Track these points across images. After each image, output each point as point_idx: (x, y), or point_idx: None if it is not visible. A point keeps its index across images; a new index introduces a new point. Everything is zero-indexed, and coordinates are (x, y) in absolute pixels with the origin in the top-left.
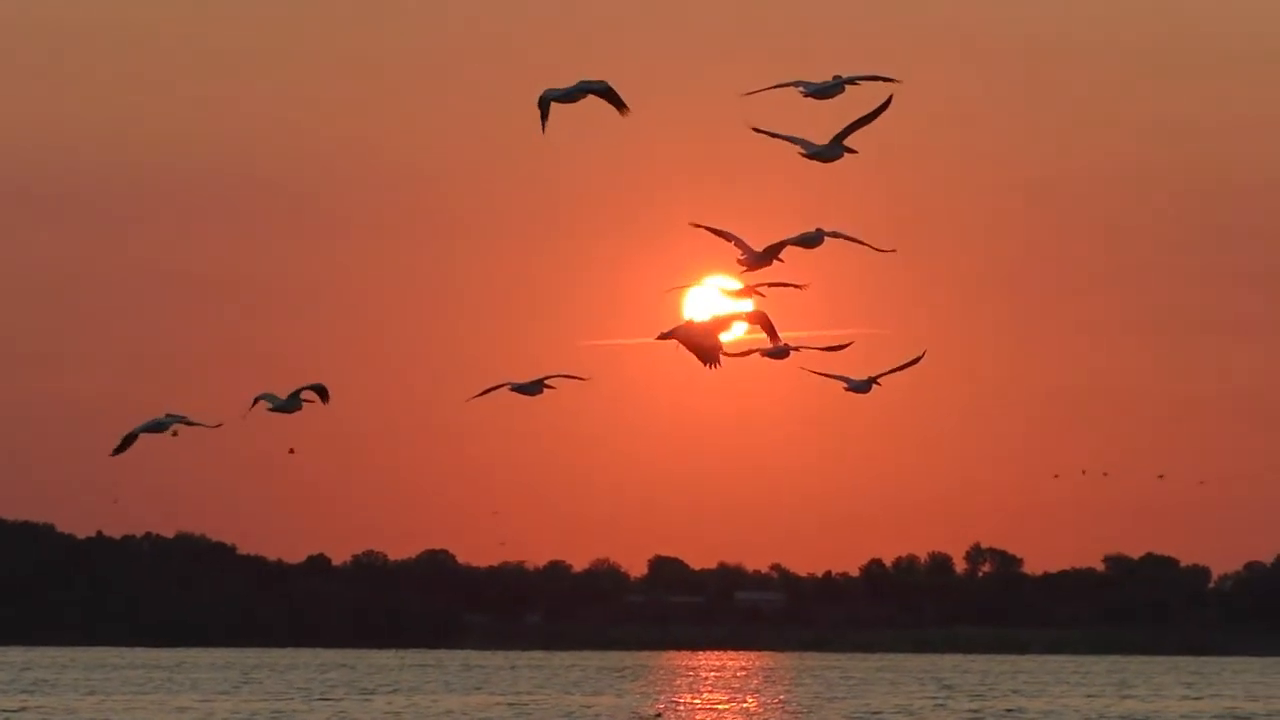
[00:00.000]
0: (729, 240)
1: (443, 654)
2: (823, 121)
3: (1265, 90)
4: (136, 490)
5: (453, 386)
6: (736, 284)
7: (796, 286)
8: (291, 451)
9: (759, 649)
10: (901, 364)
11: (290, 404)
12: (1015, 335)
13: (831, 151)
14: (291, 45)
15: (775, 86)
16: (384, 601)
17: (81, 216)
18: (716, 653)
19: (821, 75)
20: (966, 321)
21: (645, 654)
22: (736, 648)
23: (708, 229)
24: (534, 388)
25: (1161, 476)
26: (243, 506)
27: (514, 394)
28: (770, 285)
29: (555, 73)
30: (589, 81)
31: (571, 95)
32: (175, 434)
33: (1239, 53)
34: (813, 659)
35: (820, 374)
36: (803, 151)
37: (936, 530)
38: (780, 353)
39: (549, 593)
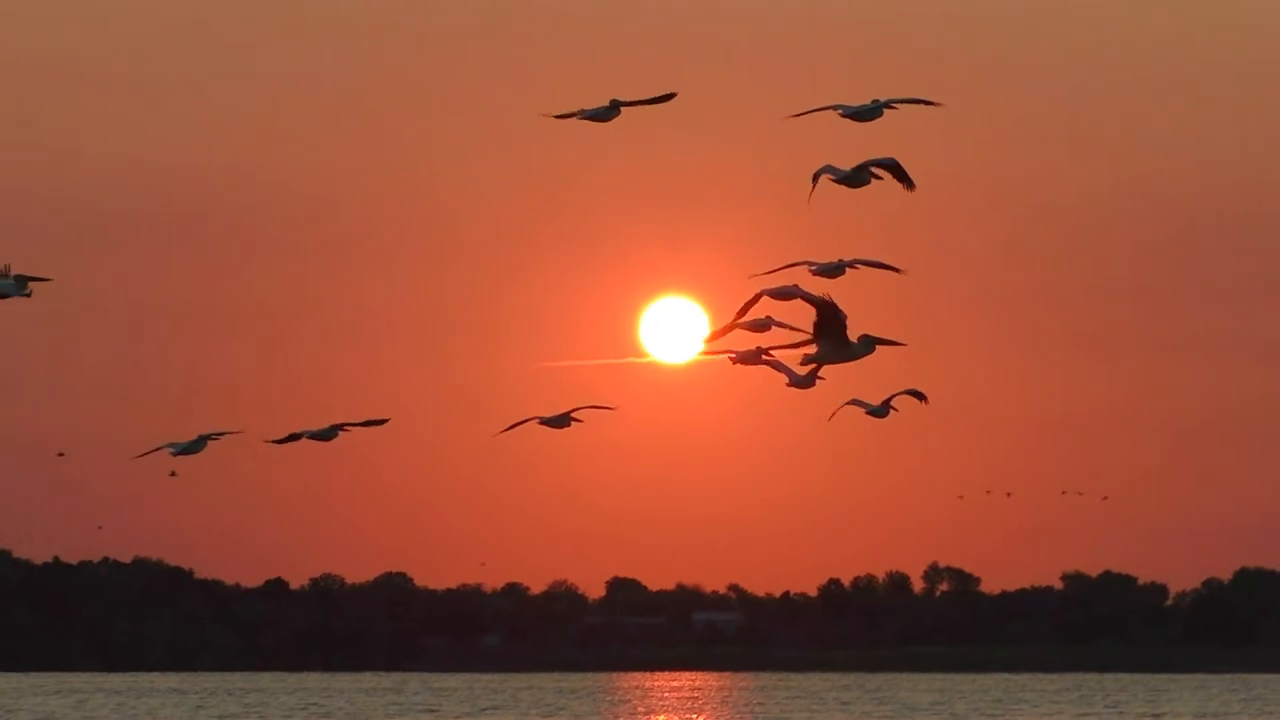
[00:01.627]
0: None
1: (401, 676)
2: (849, 144)
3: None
4: (94, 516)
5: (410, 409)
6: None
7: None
8: (173, 474)
9: (717, 669)
10: (905, 390)
11: (196, 446)
12: (976, 356)
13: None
14: (230, 70)
15: (815, 110)
16: (342, 625)
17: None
18: (675, 674)
19: (785, 105)
20: (926, 341)
21: (603, 675)
22: (695, 668)
23: (743, 359)
24: (562, 420)
25: (1105, 498)
26: (200, 531)
27: (454, 416)
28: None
29: (511, 94)
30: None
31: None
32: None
33: (1236, 73)
34: (771, 679)
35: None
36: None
37: (894, 550)
38: (806, 381)
39: (507, 615)
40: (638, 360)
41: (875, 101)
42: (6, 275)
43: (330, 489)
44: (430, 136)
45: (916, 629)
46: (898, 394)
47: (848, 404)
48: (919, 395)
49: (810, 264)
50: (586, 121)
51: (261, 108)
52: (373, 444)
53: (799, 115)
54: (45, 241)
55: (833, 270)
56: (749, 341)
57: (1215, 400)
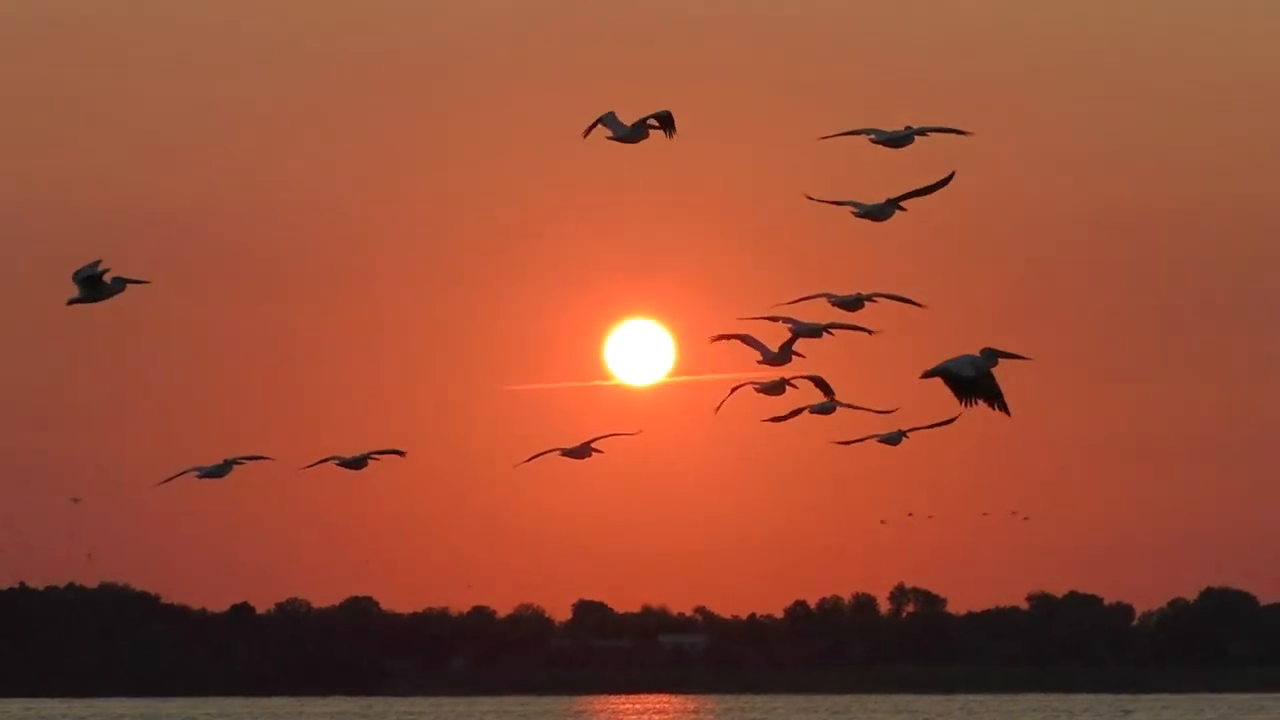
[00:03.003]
0: (747, 343)
1: (367, 700)
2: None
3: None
4: (59, 541)
5: (374, 433)
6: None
7: (867, 331)
8: (76, 500)
9: (684, 692)
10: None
11: (221, 470)
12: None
13: (905, 139)
14: (207, 99)
15: (848, 133)
16: (308, 649)
17: None
18: (642, 696)
19: (755, 131)
20: (884, 361)
21: (571, 698)
22: (661, 691)
23: (726, 337)
24: (583, 451)
25: (1026, 518)
26: (166, 556)
27: (410, 446)
28: (840, 328)
29: (484, 122)
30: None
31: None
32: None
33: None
34: (738, 701)
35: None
36: (855, 211)
37: (860, 571)
38: (827, 408)
39: (473, 638)
40: (604, 383)
41: (908, 128)
42: (104, 277)
43: (295, 513)
44: (399, 165)
45: (883, 650)
46: (917, 428)
47: (867, 438)
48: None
49: (830, 295)
50: (592, 139)
51: (240, 137)
52: (337, 470)
53: (829, 137)
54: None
55: (852, 303)
56: (772, 373)
57: (1181, 422)
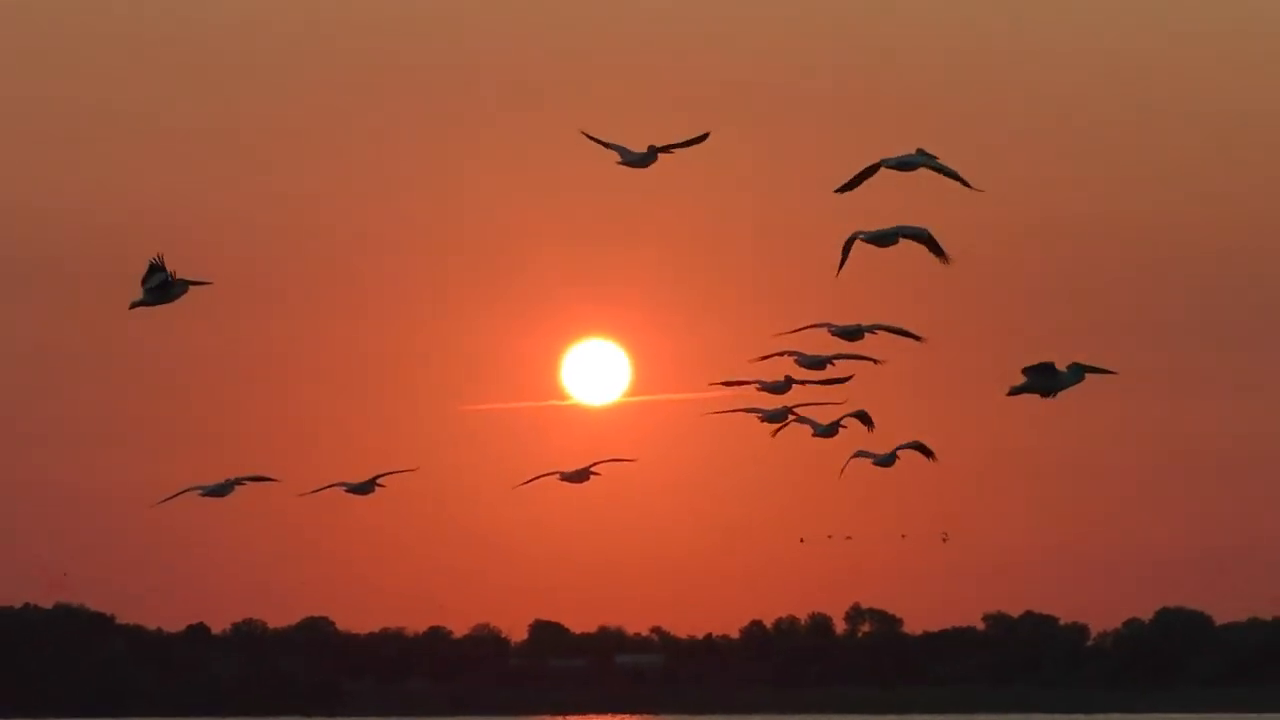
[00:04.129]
0: (747, 386)
1: None
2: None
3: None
4: (13, 562)
5: (330, 453)
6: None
7: (874, 361)
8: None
9: (640, 712)
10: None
11: (223, 489)
12: (895, 393)
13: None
14: (153, 115)
15: (865, 173)
16: (264, 669)
17: None
18: (599, 716)
19: (717, 155)
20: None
21: (528, 718)
22: (618, 711)
23: (726, 383)
24: (582, 475)
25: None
26: (122, 576)
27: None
28: (848, 358)
29: (440, 139)
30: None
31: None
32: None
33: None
34: None
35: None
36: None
37: (816, 591)
38: (830, 430)
39: (430, 658)
40: (560, 403)
41: (921, 151)
42: (170, 278)
43: (251, 532)
44: (353, 181)
45: (839, 671)
46: (903, 446)
47: (855, 455)
48: (924, 450)
49: (831, 326)
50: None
51: (187, 153)
52: (294, 489)
53: (845, 188)
54: None
55: (852, 333)
56: (774, 401)
57: (1134, 440)
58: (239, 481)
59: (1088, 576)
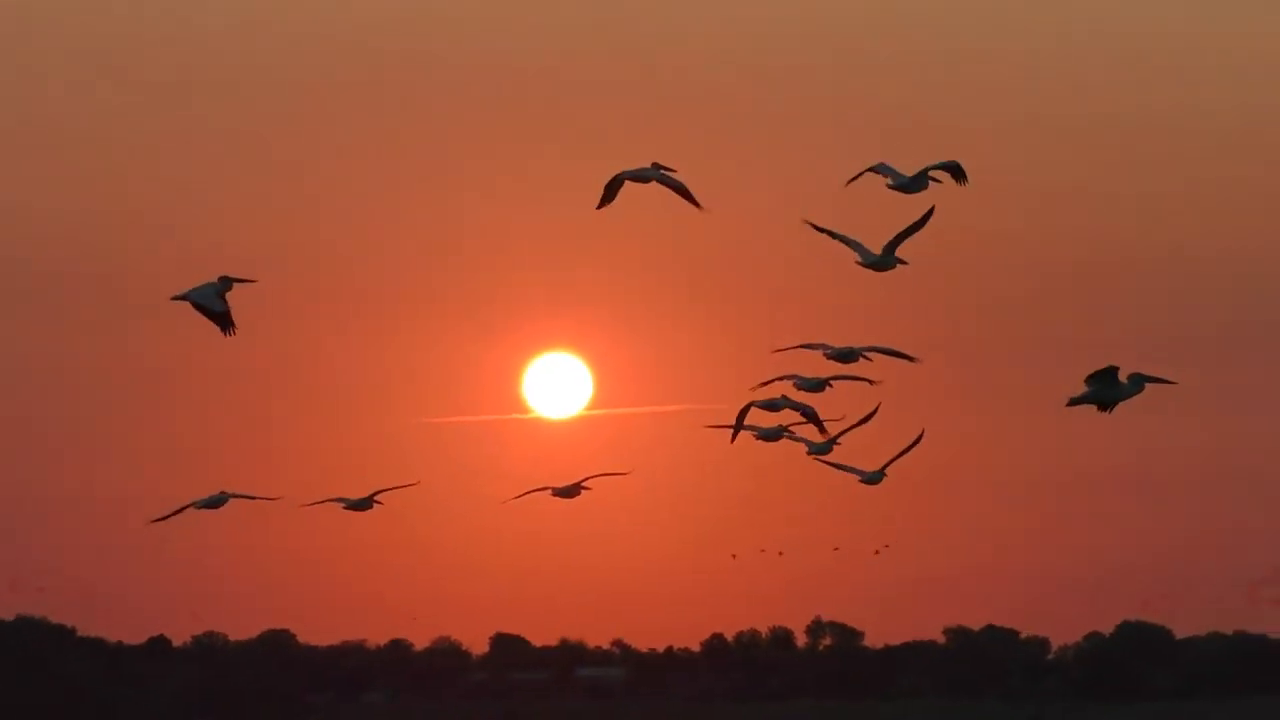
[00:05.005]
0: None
1: None
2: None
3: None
4: None
5: (292, 464)
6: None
7: (869, 381)
8: None
9: None
10: (904, 448)
11: (217, 501)
12: (856, 407)
13: (886, 262)
14: (119, 121)
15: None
16: (225, 682)
17: None
18: None
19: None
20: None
21: None
22: None
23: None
24: (573, 490)
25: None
26: (83, 589)
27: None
28: (844, 379)
29: (401, 152)
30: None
31: (644, 177)
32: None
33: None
34: None
35: (834, 466)
36: (859, 260)
37: (777, 604)
38: (824, 448)
39: (390, 671)
40: (522, 416)
41: (924, 172)
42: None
43: (211, 545)
44: (318, 193)
45: (800, 684)
46: (894, 459)
47: (847, 470)
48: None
49: (826, 348)
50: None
51: (149, 161)
52: (255, 501)
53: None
54: None
55: (846, 355)
56: (769, 420)
57: (1095, 454)
58: (234, 496)
59: (1048, 590)
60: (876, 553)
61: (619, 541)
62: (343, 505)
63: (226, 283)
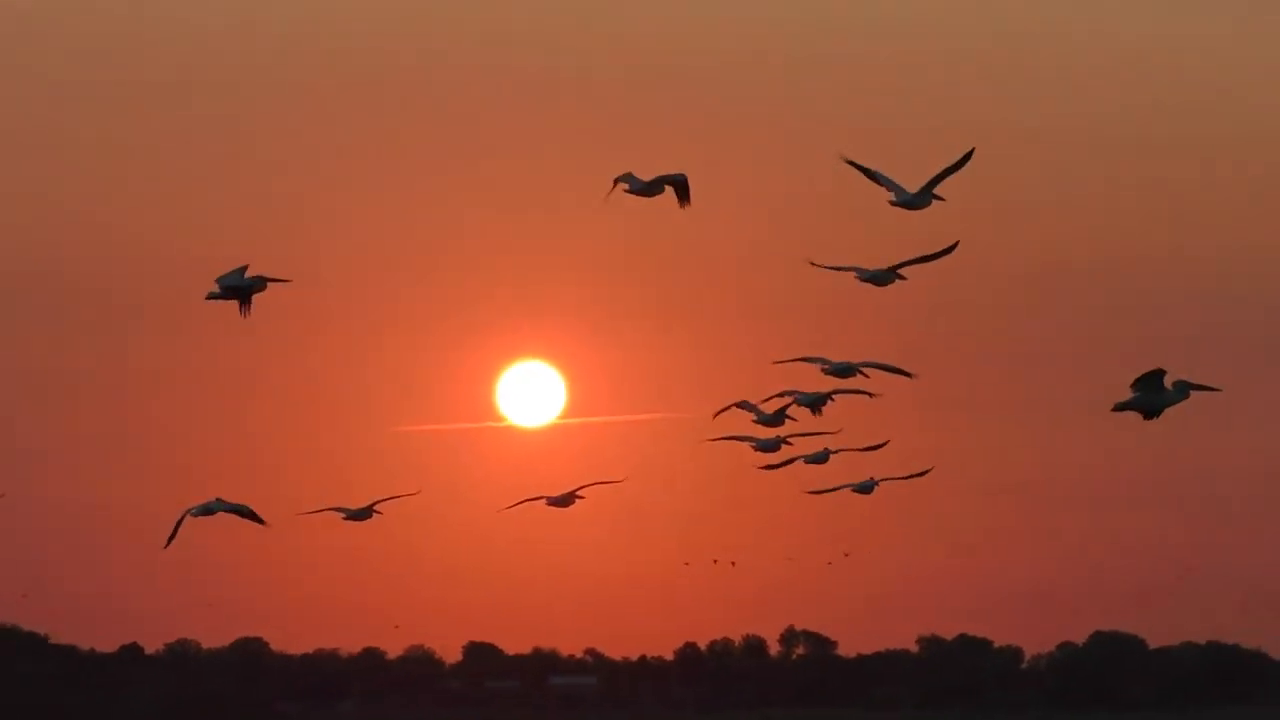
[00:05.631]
0: (742, 408)
1: None
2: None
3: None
4: None
5: (265, 472)
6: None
7: (868, 394)
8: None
9: None
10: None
11: (210, 508)
12: (845, 417)
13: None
14: (90, 127)
15: (868, 174)
16: (198, 690)
17: None
18: None
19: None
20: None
21: None
22: None
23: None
24: (567, 500)
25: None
26: (55, 596)
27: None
28: (845, 392)
29: (378, 160)
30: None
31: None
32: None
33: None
34: None
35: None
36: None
37: (750, 613)
38: (820, 458)
39: (364, 679)
40: (495, 425)
41: (926, 189)
42: (250, 277)
43: (184, 552)
44: (293, 203)
45: (774, 693)
46: (884, 479)
47: (840, 487)
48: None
49: (823, 362)
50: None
51: (122, 168)
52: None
53: (853, 163)
54: None
55: (844, 370)
56: (768, 431)
57: (1069, 463)
58: (226, 508)
59: (1022, 600)
60: (846, 555)
61: (592, 550)
62: (342, 515)
63: (261, 282)
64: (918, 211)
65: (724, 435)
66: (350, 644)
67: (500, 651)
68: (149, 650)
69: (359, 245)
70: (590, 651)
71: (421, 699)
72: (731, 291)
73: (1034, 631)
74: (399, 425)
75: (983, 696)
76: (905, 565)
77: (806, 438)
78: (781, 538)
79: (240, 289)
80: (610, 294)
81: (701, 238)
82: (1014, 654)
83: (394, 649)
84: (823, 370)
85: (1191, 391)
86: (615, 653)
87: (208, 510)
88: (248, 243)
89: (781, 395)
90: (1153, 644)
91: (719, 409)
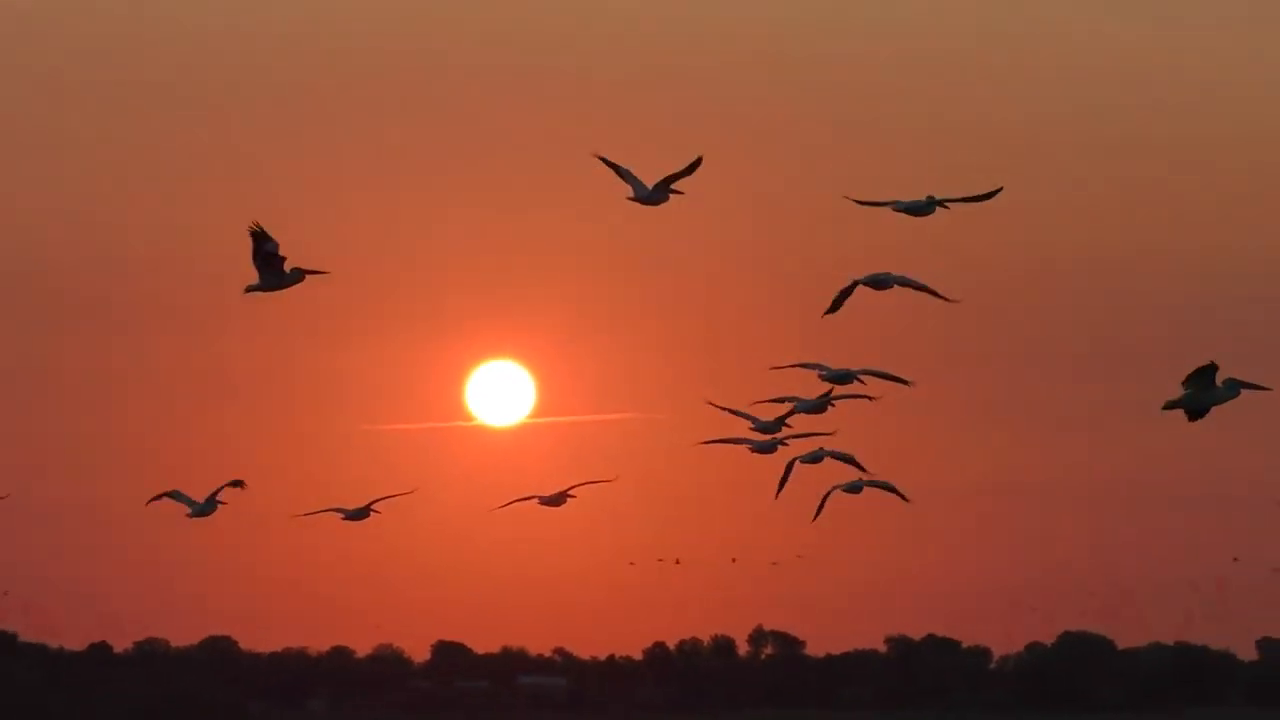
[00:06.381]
0: (738, 415)
1: None
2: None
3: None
4: None
5: (233, 470)
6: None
7: (868, 398)
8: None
9: None
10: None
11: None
12: (826, 421)
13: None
14: (66, 125)
15: (874, 204)
16: (167, 689)
17: None
18: None
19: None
20: (747, 399)
21: None
22: None
23: (721, 408)
24: (559, 499)
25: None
26: (24, 594)
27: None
28: (846, 397)
29: (349, 161)
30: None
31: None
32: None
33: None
34: None
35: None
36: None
37: (719, 613)
38: (814, 458)
39: (332, 679)
40: (465, 424)
41: (930, 198)
42: (284, 266)
43: (153, 550)
44: (260, 201)
45: (742, 693)
46: (875, 483)
47: (832, 489)
48: (895, 490)
49: (822, 369)
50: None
51: (96, 166)
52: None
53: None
54: None
55: (842, 377)
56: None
57: (1037, 465)
58: (220, 501)
59: (990, 600)
60: (799, 557)
61: (562, 548)
62: (341, 515)
63: (299, 274)
64: (876, 213)
65: (718, 439)
66: (318, 643)
67: (469, 651)
68: (118, 649)
69: (327, 244)
70: (559, 651)
71: (389, 698)
72: (701, 292)
73: (1002, 631)
74: (367, 424)
75: (951, 697)
76: (873, 565)
77: (802, 439)
78: (751, 537)
79: (281, 282)
80: (580, 293)
81: (671, 237)
82: (982, 654)
83: (362, 648)
84: (820, 376)
85: (1242, 390)
86: (584, 652)
87: (204, 510)
88: (217, 240)
89: (781, 401)
90: (1121, 645)
91: (713, 439)
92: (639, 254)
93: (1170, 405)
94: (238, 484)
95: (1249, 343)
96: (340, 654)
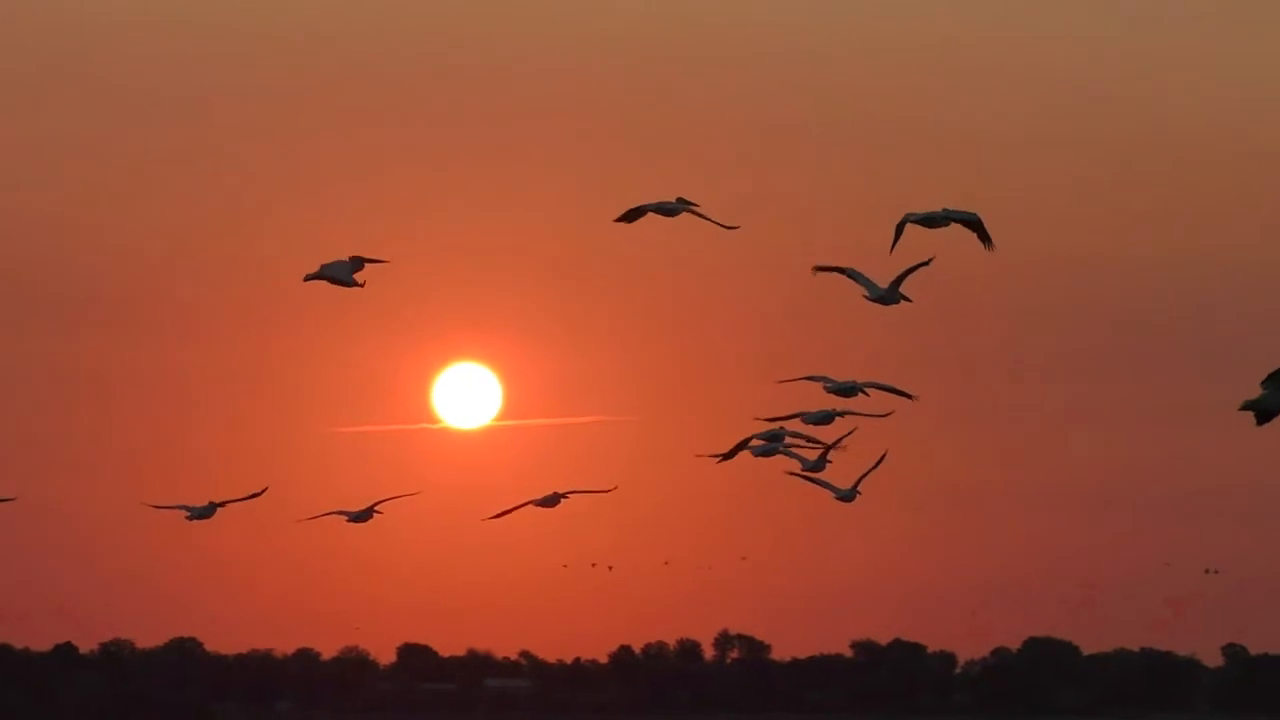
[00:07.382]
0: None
1: None
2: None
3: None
4: None
5: (200, 472)
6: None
7: (887, 397)
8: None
9: None
10: (871, 467)
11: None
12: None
13: (891, 296)
14: (46, 130)
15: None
16: (132, 689)
17: None
18: None
19: (592, 190)
20: (712, 403)
21: None
22: None
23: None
24: (552, 501)
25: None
26: None
27: (348, 516)
28: (875, 389)
29: (325, 164)
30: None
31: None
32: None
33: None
34: None
35: (810, 479)
36: (866, 295)
37: (685, 617)
38: (818, 465)
39: (298, 680)
40: (431, 426)
41: (946, 210)
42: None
43: (119, 552)
44: (231, 205)
45: (708, 696)
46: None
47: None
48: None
49: (826, 381)
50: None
51: (77, 170)
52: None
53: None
54: None
55: (847, 390)
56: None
57: (1004, 471)
58: (222, 504)
59: (956, 605)
60: (743, 559)
61: (527, 552)
62: (346, 518)
63: (358, 262)
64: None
65: (721, 454)
66: (284, 645)
67: (435, 653)
68: (83, 650)
69: (295, 247)
70: (524, 654)
71: (355, 700)
72: (667, 296)
73: (968, 637)
74: (335, 426)
75: (917, 701)
76: (840, 570)
77: (804, 447)
78: (719, 541)
79: (342, 277)
80: (546, 297)
81: (637, 243)
82: (948, 659)
83: (328, 650)
84: (825, 389)
85: None
86: (550, 655)
87: (204, 513)
88: (185, 244)
89: (788, 418)
90: (1086, 650)
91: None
92: (605, 259)
93: (1248, 406)
94: (258, 494)
95: (1221, 344)
96: (306, 656)
